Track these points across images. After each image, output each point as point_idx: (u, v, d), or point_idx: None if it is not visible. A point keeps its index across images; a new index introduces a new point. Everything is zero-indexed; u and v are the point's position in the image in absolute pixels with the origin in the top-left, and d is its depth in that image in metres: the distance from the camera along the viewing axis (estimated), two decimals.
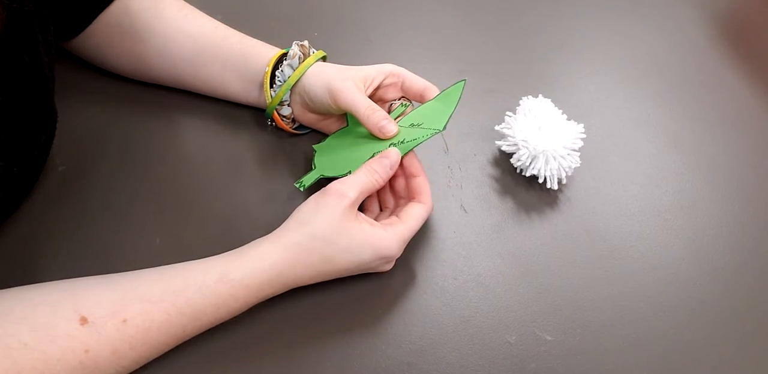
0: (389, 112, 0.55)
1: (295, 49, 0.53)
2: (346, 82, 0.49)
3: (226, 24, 0.59)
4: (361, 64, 0.53)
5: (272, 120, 0.55)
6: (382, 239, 0.44)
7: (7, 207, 0.47)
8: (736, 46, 0.74)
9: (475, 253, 0.52)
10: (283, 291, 0.44)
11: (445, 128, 0.48)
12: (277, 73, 0.53)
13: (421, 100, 0.53)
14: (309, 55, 0.53)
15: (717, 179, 0.60)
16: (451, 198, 0.55)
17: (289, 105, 0.54)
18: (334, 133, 0.55)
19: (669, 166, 0.61)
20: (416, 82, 0.52)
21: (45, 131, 0.45)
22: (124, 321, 0.38)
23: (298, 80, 0.52)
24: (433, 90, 0.53)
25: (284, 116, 0.55)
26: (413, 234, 0.46)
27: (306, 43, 0.54)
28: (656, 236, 0.55)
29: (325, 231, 0.43)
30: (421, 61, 0.67)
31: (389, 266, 0.48)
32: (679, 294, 0.51)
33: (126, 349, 0.38)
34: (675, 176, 0.60)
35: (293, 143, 0.57)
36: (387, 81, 0.53)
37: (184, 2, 0.57)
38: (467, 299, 0.49)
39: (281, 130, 0.57)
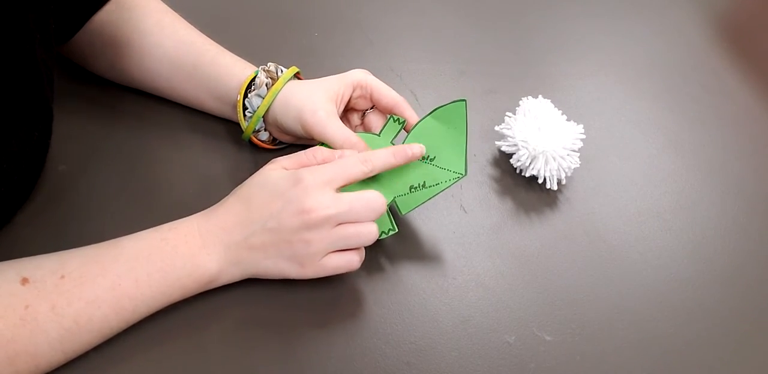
0: (362, 123, 0.53)
1: (261, 77, 0.51)
2: (316, 115, 0.48)
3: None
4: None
5: (251, 144, 0.55)
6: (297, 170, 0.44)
7: (5, 209, 0.46)
8: (735, 47, 0.74)
9: (475, 253, 0.52)
10: (218, 251, 0.43)
11: (467, 172, 0.48)
12: (246, 103, 0.51)
13: (391, 113, 0.51)
14: (277, 79, 0.51)
15: (716, 179, 0.60)
16: (451, 198, 0.55)
17: (265, 129, 0.54)
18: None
19: (668, 166, 0.61)
20: (385, 95, 0.51)
21: (38, 128, 0.44)
22: (62, 277, 0.39)
23: (268, 109, 0.51)
24: (403, 106, 0.50)
25: (263, 141, 0.54)
26: (334, 171, 0.44)
27: (272, 66, 0.52)
28: (655, 236, 0.55)
29: (247, 182, 0.45)
30: (421, 61, 0.67)
31: (318, 234, 0.42)
32: (677, 294, 0.51)
33: (64, 305, 0.38)
34: (674, 177, 0.60)
35: (280, 153, 0.57)
36: (356, 93, 0.51)
37: (166, 10, 0.56)
38: (467, 299, 0.49)
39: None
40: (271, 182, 0.44)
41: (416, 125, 0.49)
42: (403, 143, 0.49)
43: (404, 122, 0.50)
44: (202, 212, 0.46)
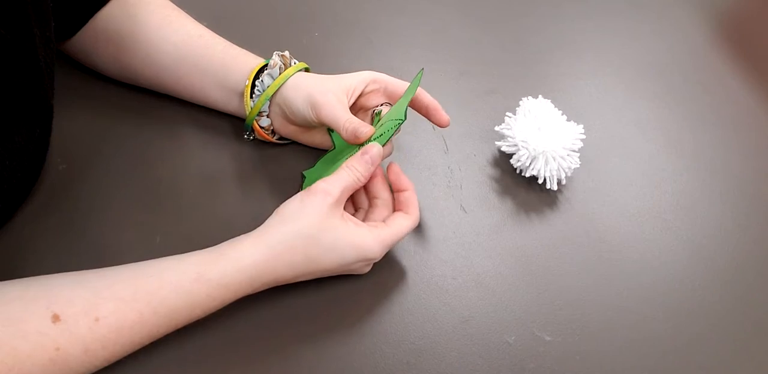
0: (371, 121, 0.54)
1: (275, 59, 0.52)
2: (327, 96, 0.48)
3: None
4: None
5: (252, 132, 0.55)
6: (366, 239, 0.44)
7: (6, 207, 0.47)
8: (735, 47, 0.74)
9: (475, 253, 0.52)
10: (262, 290, 0.44)
11: (405, 117, 0.47)
12: (257, 83, 0.52)
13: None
14: (290, 66, 0.52)
15: (716, 179, 0.60)
16: (451, 198, 0.55)
17: (268, 116, 0.53)
18: (322, 157, 0.53)
19: (668, 167, 0.61)
20: (399, 86, 0.52)
21: (39, 125, 0.44)
22: (97, 319, 0.37)
23: (277, 91, 0.51)
24: (418, 90, 0.51)
25: (263, 127, 0.54)
26: (396, 242, 0.46)
27: (287, 53, 0.53)
28: (655, 236, 0.55)
29: (311, 229, 0.43)
30: (421, 61, 0.67)
31: (368, 269, 0.48)
32: (677, 295, 0.51)
33: (98, 348, 0.38)
34: (674, 177, 0.60)
35: (282, 151, 0.57)
36: (369, 88, 0.52)
37: (172, 7, 0.56)
38: (467, 299, 0.49)
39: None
40: (340, 249, 0.43)
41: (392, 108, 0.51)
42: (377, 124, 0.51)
43: (380, 112, 0.52)
44: (257, 261, 0.41)
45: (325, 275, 0.46)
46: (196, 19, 0.56)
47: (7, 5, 0.38)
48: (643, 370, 0.47)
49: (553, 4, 0.76)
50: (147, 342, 0.41)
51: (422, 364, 0.45)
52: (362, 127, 0.47)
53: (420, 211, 0.51)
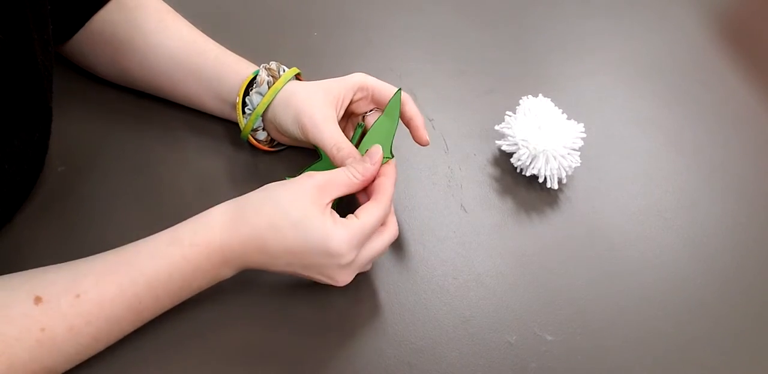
0: (359, 126, 0.53)
1: (262, 75, 0.51)
2: (314, 118, 0.48)
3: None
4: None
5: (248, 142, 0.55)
6: (335, 231, 0.41)
7: (5, 209, 0.47)
8: (736, 46, 0.74)
9: (475, 253, 0.52)
10: (237, 265, 0.42)
11: (392, 154, 0.47)
12: (246, 100, 0.51)
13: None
14: (279, 77, 0.52)
15: (717, 178, 0.60)
16: (451, 198, 0.55)
17: (264, 129, 0.53)
18: (310, 166, 0.52)
19: (669, 165, 0.61)
20: (385, 92, 0.51)
21: (38, 129, 0.44)
22: (77, 296, 0.38)
23: (268, 107, 0.51)
24: (403, 101, 0.50)
25: (260, 140, 0.54)
26: (368, 235, 0.42)
27: (274, 65, 0.52)
28: (656, 235, 0.55)
29: (281, 199, 0.42)
30: (421, 61, 0.67)
31: (342, 277, 0.43)
32: (678, 294, 0.51)
33: (82, 325, 0.38)
34: (675, 176, 0.60)
35: (278, 154, 0.57)
36: (357, 96, 0.51)
37: (167, 10, 0.56)
38: (467, 299, 0.49)
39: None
40: (307, 233, 0.41)
41: (373, 125, 0.50)
42: (360, 143, 0.49)
43: (363, 126, 0.52)
44: (225, 219, 0.42)
45: (290, 263, 0.42)
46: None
47: (6, 8, 0.38)
48: (644, 369, 0.46)
49: (553, 3, 0.76)
50: (133, 318, 0.40)
51: (423, 364, 0.45)
52: (351, 159, 0.46)
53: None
